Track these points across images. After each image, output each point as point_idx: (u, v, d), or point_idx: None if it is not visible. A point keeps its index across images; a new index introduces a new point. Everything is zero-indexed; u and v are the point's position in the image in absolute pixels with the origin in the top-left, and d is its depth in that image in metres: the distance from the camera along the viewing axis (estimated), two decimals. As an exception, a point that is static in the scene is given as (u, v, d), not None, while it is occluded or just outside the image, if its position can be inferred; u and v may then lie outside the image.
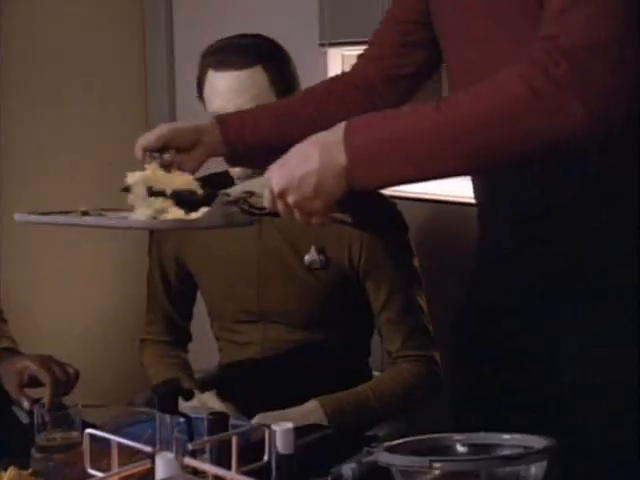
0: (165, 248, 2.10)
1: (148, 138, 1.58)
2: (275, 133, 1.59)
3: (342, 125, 1.29)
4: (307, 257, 1.96)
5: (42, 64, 2.97)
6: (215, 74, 1.92)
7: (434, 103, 1.26)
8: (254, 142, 1.59)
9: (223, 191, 1.40)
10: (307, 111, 1.62)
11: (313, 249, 1.96)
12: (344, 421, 1.83)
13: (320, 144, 1.29)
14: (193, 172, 1.56)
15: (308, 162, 1.29)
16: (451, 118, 1.24)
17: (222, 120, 1.61)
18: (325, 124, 1.34)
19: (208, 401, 1.83)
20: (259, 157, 1.58)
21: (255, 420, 1.72)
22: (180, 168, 1.56)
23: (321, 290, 1.96)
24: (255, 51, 1.93)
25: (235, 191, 1.39)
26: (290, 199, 1.31)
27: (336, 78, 1.73)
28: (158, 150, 1.57)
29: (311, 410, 1.82)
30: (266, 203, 1.35)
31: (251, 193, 1.37)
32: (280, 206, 1.33)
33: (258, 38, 1.99)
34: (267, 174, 1.34)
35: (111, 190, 3.32)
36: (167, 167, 1.55)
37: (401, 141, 1.26)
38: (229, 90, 1.90)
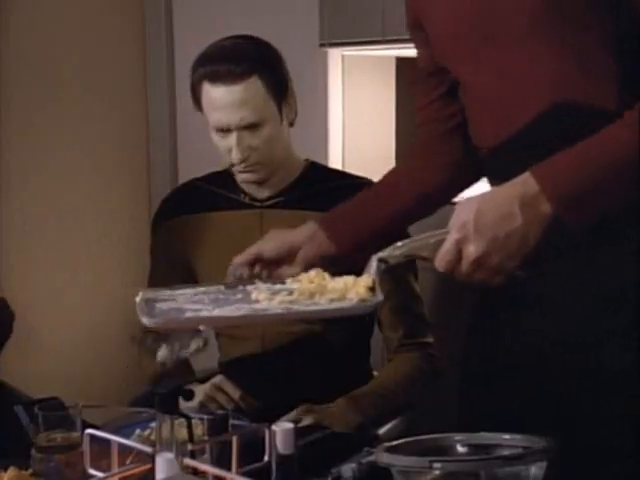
0: (170, 248, 2.11)
1: (241, 256, 1.63)
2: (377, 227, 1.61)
3: (528, 176, 1.26)
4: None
5: (42, 64, 2.97)
6: (212, 88, 1.91)
7: (619, 123, 1.25)
8: (364, 238, 1.60)
9: (378, 256, 1.35)
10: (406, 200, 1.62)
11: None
12: (372, 416, 1.85)
13: (517, 198, 1.25)
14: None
15: (510, 219, 1.24)
16: None
17: (324, 221, 1.63)
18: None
19: (222, 383, 1.85)
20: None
21: (296, 412, 1.75)
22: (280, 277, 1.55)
23: None
24: (249, 59, 1.91)
25: (393, 257, 1.34)
26: (492, 261, 1.26)
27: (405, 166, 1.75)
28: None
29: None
30: (440, 267, 1.29)
31: (416, 257, 1.33)
32: (468, 270, 1.27)
33: (249, 41, 1.98)
34: (453, 237, 1.27)
35: (111, 190, 3.35)
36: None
37: (600, 171, 1.25)
38: (229, 104, 1.90)
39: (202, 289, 1.47)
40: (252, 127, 1.91)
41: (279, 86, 1.95)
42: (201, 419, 1.41)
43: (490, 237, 1.25)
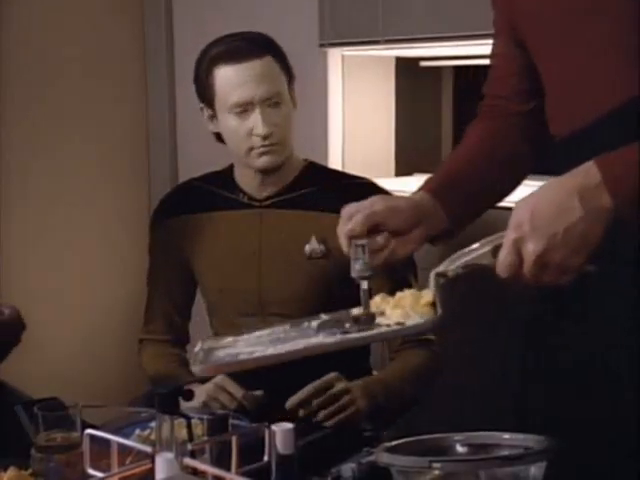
0: (169, 247, 2.11)
1: (354, 223, 1.38)
2: (482, 195, 1.50)
3: (592, 165, 1.20)
4: (308, 246, 1.97)
5: (42, 64, 2.97)
6: (228, 68, 1.93)
7: None
8: (471, 211, 1.50)
9: (436, 271, 1.27)
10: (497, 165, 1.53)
11: (314, 238, 1.97)
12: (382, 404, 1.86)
13: (576, 190, 1.18)
14: (410, 254, 1.44)
15: (568, 213, 1.18)
16: None
17: (441, 195, 1.46)
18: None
19: (224, 383, 1.85)
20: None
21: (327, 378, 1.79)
22: (393, 255, 1.42)
23: (321, 279, 1.97)
24: (261, 42, 1.96)
25: (451, 269, 1.27)
26: (555, 258, 1.18)
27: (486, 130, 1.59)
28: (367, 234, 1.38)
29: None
30: (502, 272, 1.21)
31: (476, 266, 1.25)
32: (533, 270, 1.19)
33: (255, 33, 2.01)
34: (509, 237, 1.20)
35: (111, 190, 3.35)
36: (378, 252, 1.39)
37: None
38: (249, 79, 1.92)
39: (267, 331, 1.39)
40: (274, 101, 1.93)
41: (290, 72, 1.99)
42: (201, 419, 1.41)
43: (549, 233, 1.18)
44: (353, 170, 2.22)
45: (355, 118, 2.81)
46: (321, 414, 1.77)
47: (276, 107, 1.94)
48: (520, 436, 1.20)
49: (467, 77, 2.87)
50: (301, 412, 1.77)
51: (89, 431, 1.27)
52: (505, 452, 1.19)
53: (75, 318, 3.09)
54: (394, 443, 1.22)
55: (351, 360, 2.04)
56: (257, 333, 1.38)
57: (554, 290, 1.44)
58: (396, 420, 1.95)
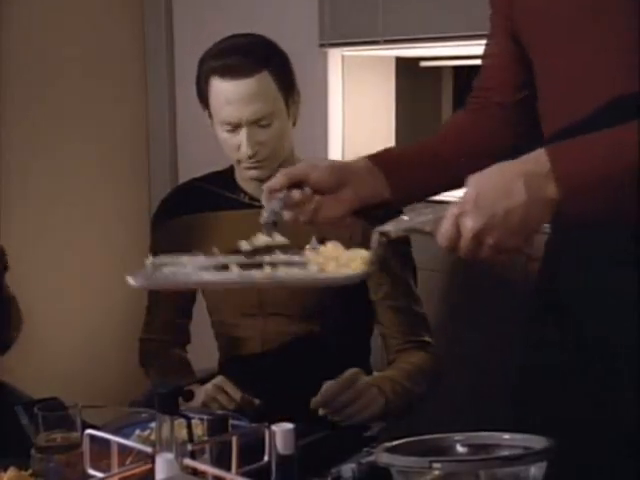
0: (170, 248, 2.10)
1: (274, 178, 1.41)
2: (434, 178, 1.51)
3: (542, 153, 1.21)
4: (308, 247, 1.97)
5: (42, 64, 2.97)
6: (221, 82, 1.91)
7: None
8: (419, 189, 1.51)
9: (379, 229, 1.31)
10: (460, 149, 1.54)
11: (314, 239, 1.97)
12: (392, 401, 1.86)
13: (523, 175, 1.20)
14: (340, 218, 1.44)
15: (512, 196, 1.19)
16: None
17: (385, 164, 1.48)
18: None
19: (223, 384, 1.85)
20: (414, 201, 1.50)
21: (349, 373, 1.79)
22: (321, 213, 1.43)
23: None
24: (258, 54, 1.92)
25: (394, 230, 1.30)
26: (491, 238, 1.21)
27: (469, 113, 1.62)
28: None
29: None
30: (442, 242, 1.24)
31: (419, 231, 1.28)
32: (469, 245, 1.22)
33: (256, 38, 1.99)
34: (452, 211, 1.23)
35: (111, 190, 3.35)
36: (295, 206, 1.40)
37: (617, 172, 1.20)
38: (240, 99, 1.90)
39: (221, 258, 1.39)
40: (262, 122, 1.91)
41: (287, 83, 1.96)
42: (201, 419, 1.41)
43: (489, 213, 1.20)
44: (353, 170, 2.21)
45: (355, 118, 2.81)
46: (346, 411, 1.77)
47: (265, 125, 1.92)
48: (520, 436, 1.20)
49: (467, 77, 2.86)
50: (321, 411, 1.75)
51: (89, 431, 1.27)
52: (505, 452, 1.18)
53: (75, 318, 3.09)
54: (394, 443, 1.22)
55: (351, 360, 2.04)
56: (206, 259, 1.39)
57: (550, 287, 1.45)
58: (402, 419, 1.95)
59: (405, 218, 1.31)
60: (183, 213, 2.09)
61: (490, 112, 1.57)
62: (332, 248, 1.37)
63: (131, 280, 1.30)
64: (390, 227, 1.31)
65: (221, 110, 1.93)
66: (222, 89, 1.91)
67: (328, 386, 1.76)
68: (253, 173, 1.98)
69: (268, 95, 1.91)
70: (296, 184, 1.41)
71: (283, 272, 1.32)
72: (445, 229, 1.24)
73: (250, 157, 1.94)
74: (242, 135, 1.92)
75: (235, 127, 1.92)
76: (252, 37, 1.99)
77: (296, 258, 1.37)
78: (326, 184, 1.42)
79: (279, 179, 1.40)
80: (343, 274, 1.31)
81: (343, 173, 1.44)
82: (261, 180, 1.99)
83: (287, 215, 1.43)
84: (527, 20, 1.47)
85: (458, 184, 1.57)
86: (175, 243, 2.09)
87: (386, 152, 1.54)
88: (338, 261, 1.33)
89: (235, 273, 1.32)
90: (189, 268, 1.35)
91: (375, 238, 1.31)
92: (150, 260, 1.38)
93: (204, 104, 1.98)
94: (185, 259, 1.39)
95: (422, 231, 1.28)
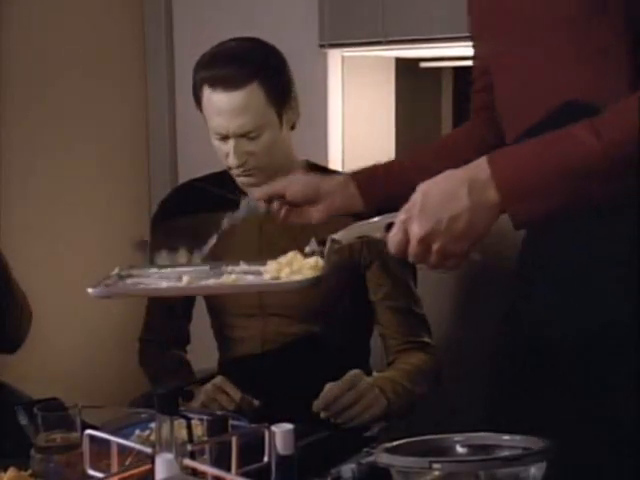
0: (169, 248, 2.10)
1: (260, 189, 1.62)
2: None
3: (484, 160, 1.24)
4: (307, 248, 1.97)
5: (41, 64, 2.97)
6: (212, 93, 1.90)
7: (587, 126, 1.21)
8: (391, 203, 1.53)
9: (332, 237, 1.36)
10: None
11: (313, 240, 1.97)
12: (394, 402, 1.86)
13: (466, 181, 1.22)
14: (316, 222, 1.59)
15: (455, 202, 1.22)
16: (612, 144, 1.19)
17: (360, 179, 1.60)
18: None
19: (222, 384, 1.85)
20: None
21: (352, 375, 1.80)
22: (291, 219, 1.60)
23: (322, 281, 1.97)
24: (251, 64, 1.90)
25: (345, 238, 1.35)
26: (436, 243, 1.23)
27: (454, 133, 1.73)
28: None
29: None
30: (391, 248, 1.27)
31: (369, 238, 1.33)
32: (417, 251, 1.25)
33: (251, 44, 1.96)
34: (400, 217, 1.26)
35: (111, 191, 3.34)
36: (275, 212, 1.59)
37: (557, 172, 1.21)
38: (228, 111, 1.89)
39: (186, 269, 1.52)
40: (251, 135, 1.91)
41: (281, 92, 1.94)
42: (201, 420, 1.41)
43: (434, 219, 1.23)
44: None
45: (355, 118, 2.81)
46: (348, 413, 1.77)
47: (254, 137, 1.91)
48: (520, 437, 1.20)
49: (467, 77, 2.87)
50: (323, 414, 1.75)
51: (89, 431, 1.27)
52: (505, 453, 1.19)
53: (75, 318, 3.08)
54: (394, 443, 1.22)
55: (351, 361, 2.05)
56: (178, 268, 1.53)
57: (541, 286, 1.45)
58: (403, 419, 1.95)
59: (355, 225, 1.37)
60: (183, 214, 2.09)
61: (484, 115, 1.62)
62: (290, 256, 1.47)
63: (90, 290, 1.40)
64: (342, 234, 1.37)
65: (211, 119, 1.93)
66: (212, 99, 1.91)
67: (329, 388, 1.77)
68: (243, 180, 1.98)
69: (257, 108, 1.90)
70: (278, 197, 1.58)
71: (235, 279, 1.44)
72: (393, 234, 1.27)
73: (238, 167, 1.94)
74: (230, 145, 1.92)
75: (224, 137, 1.92)
76: (247, 43, 1.96)
77: (255, 268, 1.49)
78: (300, 198, 1.58)
79: (261, 193, 1.60)
80: (293, 279, 1.40)
81: (315, 189, 1.58)
82: (255, 185, 2.00)
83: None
84: (480, 33, 1.51)
85: None
86: (175, 244, 2.10)
87: (366, 169, 1.63)
88: (292, 268, 1.42)
89: (185, 281, 1.43)
90: (151, 278, 1.46)
91: (328, 245, 1.38)
92: (116, 270, 1.49)
93: (200, 109, 1.98)
94: (152, 270, 1.50)
95: (373, 237, 1.32)
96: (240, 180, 1.99)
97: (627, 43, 1.32)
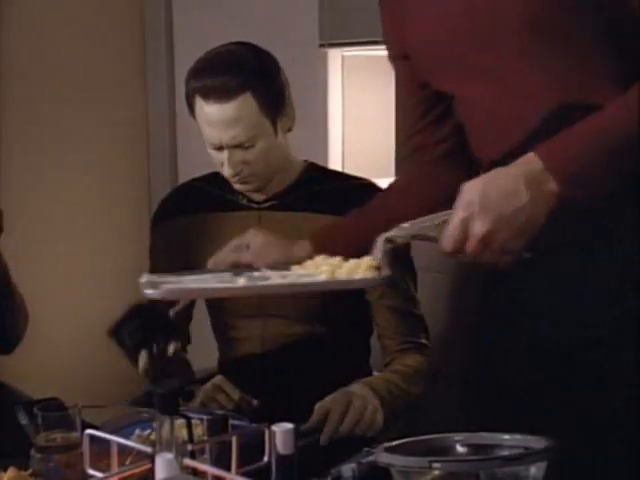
0: (169, 248, 2.11)
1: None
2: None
3: (532, 155, 1.26)
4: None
5: (41, 64, 2.97)
6: (203, 104, 1.88)
7: (616, 104, 1.27)
8: None
9: (385, 236, 1.34)
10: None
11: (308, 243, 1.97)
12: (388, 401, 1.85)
13: (522, 176, 1.24)
14: None
15: (516, 198, 1.23)
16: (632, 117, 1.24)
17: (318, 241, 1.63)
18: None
19: (221, 383, 1.85)
20: None
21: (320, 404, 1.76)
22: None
23: None
24: (243, 73, 1.87)
25: (400, 236, 1.34)
26: (498, 240, 1.24)
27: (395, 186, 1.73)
28: None
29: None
30: (447, 246, 1.27)
31: (423, 237, 1.31)
32: (476, 248, 1.25)
33: (245, 51, 1.93)
34: (458, 215, 1.26)
35: (111, 190, 3.34)
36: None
37: (601, 152, 1.25)
38: (220, 122, 1.87)
39: (209, 275, 1.47)
40: (244, 145, 1.89)
41: (274, 100, 1.91)
42: (201, 419, 1.41)
43: (496, 214, 1.24)
44: (353, 170, 2.22)
45: (355, 118, 2.81)
46: (353, 433, 1.75)
47: (249, 148, 1.90)
48: (520, 436, 1.20)
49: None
50: (323, 440, 1.72)
51: (89, 431, 1.27)
52: (505, 452, 1.19)
53: (75, 318, 3.08)
54: (394, 443, 1.22)
55: (351, 361, 2.05)
56: (197, 275, 1.47)
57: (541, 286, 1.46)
58: (397, 420, 1.95)
59: (406, 225, 1.34)
60: (182, 214, 2.09)
61: (430, 164, 1.64)
62: (323, 259, 1.40)
63: (150, 291, 1.34)
64: (394, 233, 1.34)
65: (204, 130, 1.92)
66: (204, 110, 1.89)
67: (332, 420, 1.73)
68: (240, 187, 1.99)
69: (249, 119, 1.88)
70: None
71: (295, 279, 1.37)
72: (451, 232, 1.26)
73: (233, 176, 1.94)
74: (224, 155, 1.91)
75: (218, 147, 1.92)
76: (240, 50, 1.93)
77: (286, 272, 1.42)
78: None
79: (228, 258, 1.64)
80: (367, 277, 1.34)
81: (284, 261, 1.56)
82: (253, 190, 2.00)
83: None
84: (430, 61, 1.50)
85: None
86: (174, 244, 2.10)
87: (325, 228, 1.70)
88: (347, 267, 1.36)
89: (242, 283, 1.37)
90: (186, 282, 1.40)
91: (381, 244, 1.34)
92: (145, 278, 1.43)
93: (193, 117, 1.96)
94: (175, 278, 1.43)
95: (425, 236, 1.31)
96: (237, 187, 1.99)
97: (606, 42, 1.35)
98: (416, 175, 1.67)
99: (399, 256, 1.98)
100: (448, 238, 1.27)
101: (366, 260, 1.36)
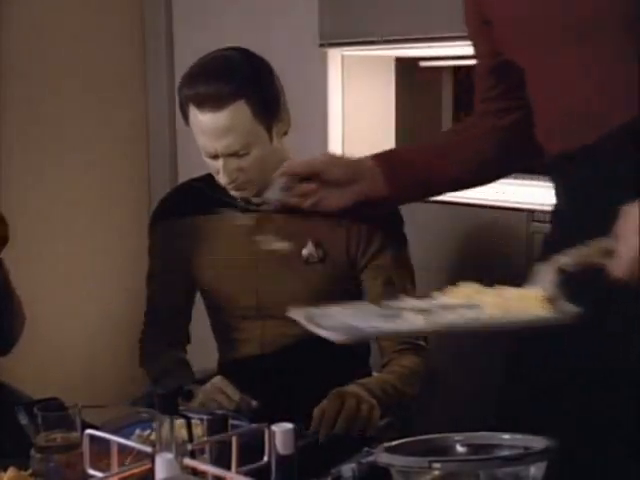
0: (168, 249, 2.11)
1: (295, 163, 1.59)
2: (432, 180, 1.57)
3: None
4: (305, 251, 1.97)
5: (41, 64, 2.97)
6: (197, 112, 1.87)
7: None
8: (418, 194, 1.59)
9: (558, 267, 1.26)
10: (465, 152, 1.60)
11: (310, 242, 1.97)
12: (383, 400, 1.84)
13: None
14: (338, 209, 1.56)
15: None
16: None
17: (384, 164, 1.59)
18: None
19: (221, 384, 1.84)
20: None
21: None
22: (322, 203, 1.57)
23: (319, 283, 1.97)
24: (236, 80, 1.85)
25: (569, 265, 1.26)
26: None
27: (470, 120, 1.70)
28: (304, 178, 1.56)
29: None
30: (623, 273, 1.23)
31: (589, 264, 1.25)
32: None
33: (239, 56, 1.91)
34: (633, 242, 1.21)
35: (111, 190, 3.34)
36: (301, 196, 1.55)
37: None
38: (214, 131, 1.87)
39: (350, 310, 1.37)
40: (239, 153, 1.89)
41: (268, 106, 1.90)
42: (201, 419, 1.41)
43: None
44: (353, 170, 2.21)
45: (355, 118, 2.81)
46: (351, 432, 1.74)
47: (244, 155, 1.89)
48: (520, 436, 1.20)
49: (467, 77, 2.87)
50: (322, 438, 1.71)
51: (89, 431, 1.27)
52: (505, 452, 1.18)
53: (75, 319, 3.09)
54: (394, 443, 1.22)
55: (351, 361, 2.05)
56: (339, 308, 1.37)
57: None
58: (395, 418, 1.95)
59: (575, 250, 1.27)
60: (181, 214, 2.09)
61: (490, 131, 1.62)
62: (469, 289, 1.31)
63: (336, 335, 1.26)
64: (566, 262, 1.27)
65: (198, 138, 1.92)
66: (197, 119, 1.88)
67: (324, 419, 1.72)
68: (237, 194, 1.98)
69: (243, 127, 1.87)
70: (313, 175, 1.56)
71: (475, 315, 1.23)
72: (627, 259, 1.21)
73: (229, 184, 1.94)
74: (219, 163, 1.91)
75: (213, 156, 1.91)
76: (233, 56, 1.92)
77: (430, 303, 1.29)
78: (336, 181, 1.56)
79: (299, 168, 1.58)
80: (559, 314, 1.22)
81: (354, 171, 1.57)
82: (252, 196, 2.00)
83: (292, 200, 1.60)
84: (519, 42, 1.48)
85: (455, 190, 1.63)
86: (173, 244, 2.10)
87: (388, 152, 1.63)
88: (513, 300, 1.25)
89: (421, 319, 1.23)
90: (339, 318, 1.32)
91: (550, 275, 1.26)
92: (302, 316, 1.36)
93: (187, 124, 1.95)
94: (333, 310, 1.37)
95: (592, 263, 1.25)
96: (234, 193, 1.99)
97: None
98: (479, 132, 1.64)
99: (394, 253, 1.98)
100: (623, 264, 1.22)
101: (532, 292, 1.25)
